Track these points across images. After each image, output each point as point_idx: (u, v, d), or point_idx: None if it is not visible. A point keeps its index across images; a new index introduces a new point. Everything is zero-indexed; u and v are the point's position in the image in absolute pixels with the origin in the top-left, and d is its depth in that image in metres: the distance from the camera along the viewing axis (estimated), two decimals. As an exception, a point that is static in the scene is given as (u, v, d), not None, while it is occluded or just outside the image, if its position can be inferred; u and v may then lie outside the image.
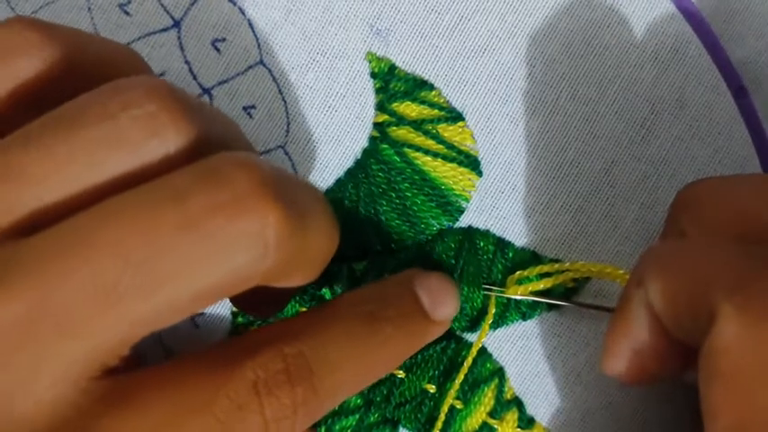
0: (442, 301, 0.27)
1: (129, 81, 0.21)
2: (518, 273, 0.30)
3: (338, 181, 0.31)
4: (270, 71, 0.30)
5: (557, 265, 0.30)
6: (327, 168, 0.31)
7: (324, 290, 0.30)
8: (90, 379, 0.21)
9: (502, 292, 0.30)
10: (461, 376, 0.30)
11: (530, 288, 0.30)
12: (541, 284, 0.30)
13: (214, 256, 0.20)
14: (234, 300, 0.28)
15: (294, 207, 0.21)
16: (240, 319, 0.30)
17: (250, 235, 0.20)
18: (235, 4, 0.30)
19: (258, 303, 0.27)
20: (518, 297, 0.30)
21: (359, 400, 0.31)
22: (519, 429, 0.31)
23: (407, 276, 0.28)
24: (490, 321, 0.30)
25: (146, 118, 0.20)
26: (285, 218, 0.21)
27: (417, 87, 0.30)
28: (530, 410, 0.31)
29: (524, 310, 0.31)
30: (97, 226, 0.20)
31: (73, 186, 0.20)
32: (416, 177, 0.30)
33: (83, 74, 0.22)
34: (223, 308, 0.30)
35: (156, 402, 0.21)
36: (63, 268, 0.19)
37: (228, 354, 0.23)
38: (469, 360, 0.30)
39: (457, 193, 0.31)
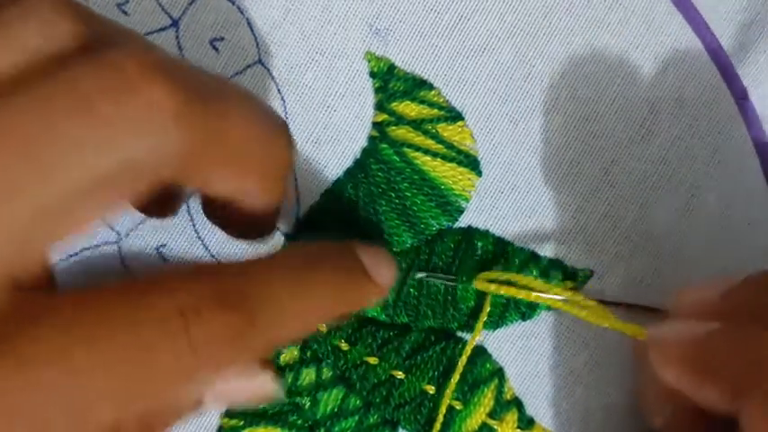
0: (381, 265, 0.27)
1: None
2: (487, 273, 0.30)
3: (337, 181, 0.30)
4: (268, 70, 0.30)
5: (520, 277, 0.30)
6: (327, 168, 0.30)
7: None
8: None
9: (468, 281, 0.30)
10: (457, 376, 0.30)
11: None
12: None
13: (106, 139, 0.20)
14: (215, 220, 0.27)
15: (197, 90, 0.21)
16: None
17: (143, 116, 0.20)
18: (233, 3, 0.30)
19: (240, 227, 0.27)
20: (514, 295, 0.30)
21: (358, 402, 0.30)
22: (519, 430, 0.31)
23: (349, 242, 0.28)
24: (485, 319, 0.30)
25: (40, 23, 0.21)
26: (181, 97, 0.21)
27: (417, 87, 0.30)
28: (529, 411, 0.31)
29: (524, 310, 0.31)
30: None
31: None
32: (416, 177, 0.30)
33: None
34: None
35: (76, 321, 0.21)
36: None
37: (159, 279, 0.22)
38: (464, 359, 0.30)
39: (456, 192, 0.31)
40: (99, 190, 0.20)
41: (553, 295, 0.29)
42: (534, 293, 0.30)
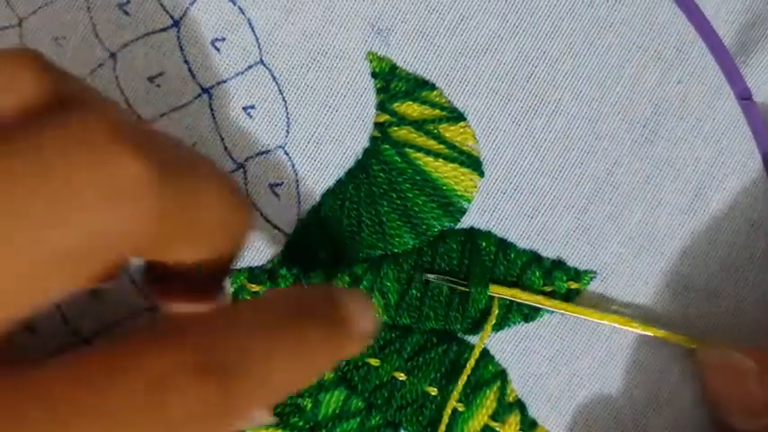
0: (363, 314, 0.26)
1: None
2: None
3: (339, 181, 0.30)
4: (270, 71, 0.30)
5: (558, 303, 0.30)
6: (328, 169, 0.30)
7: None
8: None
9: (482, 284, 0.30)
10: (464, 378, 0.30)
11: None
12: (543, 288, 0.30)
13: (72, 213, 0.18)
14: (153, 287, 0.26)
15: (164, 161, 0.20)
16: None
17: (113, 188, 0.19)
18: (234, 3, 0.30)
19: (185, 293, 0.25)
20: (522, 300, 0.30)
21: (360, 403, 0.30)
22: (521, 432, 0.31)
23: (328, 288, 0.27)
24: (492, 323, 0.30)
25: (4, 77, 0.20)
26: (153, 168, 0.19)
27: (418, 87, 0.30)
28: (532, 413, 0.31)
29: (526, 312, 0.30)
30: None
31: None
32: (418, 178, 0.30)
33: None
34: None
35: (40, 402, 0.19)
36: None
37: (135, 342, 0.21)
38: (472, 362, 0.30)
39: (458, 193, 0.30)
40: (61, 267, 0.19)
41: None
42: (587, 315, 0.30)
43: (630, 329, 0.30)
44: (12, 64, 0.20)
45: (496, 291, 0.30)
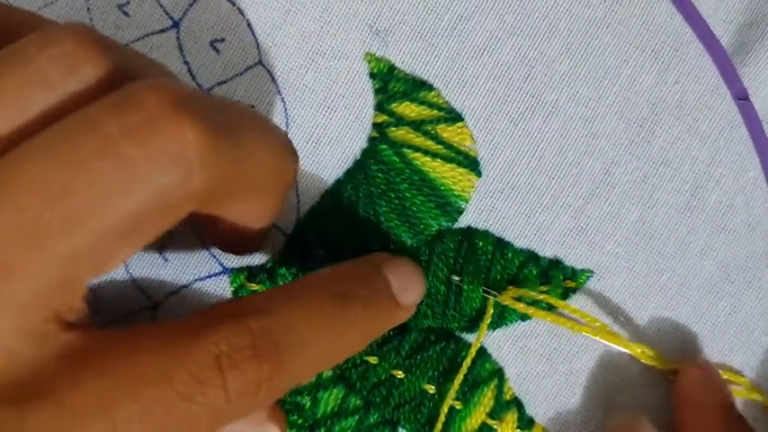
0: (409, 287, 0.27)
1: (49, 27, 0.22)
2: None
3: (337, 182, 0.30)
4: (269, 72, 0.30)
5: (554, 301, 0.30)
6: (326, 169, 0.31)
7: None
8: (43, 332, 0.21)
9: (496, 295, 0.30)
10: (461, 377, 0.30)
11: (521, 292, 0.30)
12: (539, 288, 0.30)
13: (133, 180, 0.20)
14: (209, 237, 0.28)
15: (218, 124, 0.21)
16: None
17: (168, 154, 0.20)
18: (234, 4, 0.30)
19: (233, 242, 0.27)
20: (516, 306, 0.30)
21: (358, 401, 0.31)
22: (518, 430, 0.31)
23: (378, 259, 0.28)
24: (488, 322, 0.30)
25: (62, 56, 0.21)
26: (204, 133, 0.20)
27: (416, 88, 0.30)
28: (529, 411, 0.31)
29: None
30: (18, 164, 0.20)
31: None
32: (416, 178, 0.30)
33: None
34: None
35: (114, 368, 0.21)
36: None
37: (191, 325, 0.22)
38: (468, 360, 0.30)
39: (456, 193, 0.31)
40: (129, 229, 0.20)
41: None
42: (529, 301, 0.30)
43: (608, 343, 0.30)
44: (70, 43, 0.21)
45: (512, 303, 0.30)
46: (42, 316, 0.21)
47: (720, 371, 0.30)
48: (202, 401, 0.21)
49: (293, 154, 0.25)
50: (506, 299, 0.30)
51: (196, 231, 0.28)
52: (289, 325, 0.23)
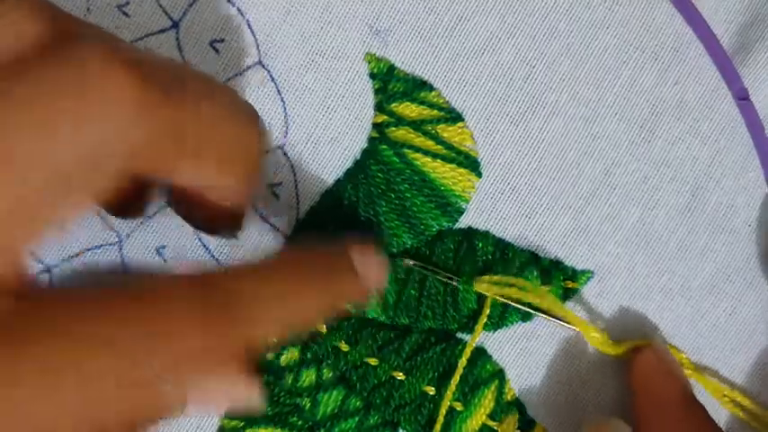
0: (370, 265, 0.27)
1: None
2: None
3: (337, 182, 0.30)
4: (269, 72, 0.30)
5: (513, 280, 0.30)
6: (326, 169, 0.30)
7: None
8: None
9: (469, 282, 0.30)
10: (457, 377, 0.30)
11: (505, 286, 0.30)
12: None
13: (69, 133, 0.20)
14: (186, 218, 0.28)
15: (158, 82, 0.22)
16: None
17: (103, 108, 0.21)
18: (233, 4, 0.30)
19: (207, 219, 0.27)
20: (511, 303, 0.30)
21: (358, 403, 0.30)
22: (519, 431, 0.31)
23: (341, 242, 0.28)
24: (484, 321, 0.30)
25: (6, 22, 0.21)
26: (140, 88, 0.21)
27: (416, 88, 0.30)
28: (530, 412, 0.31)
29: (524, 311, 0.31)
30: None
31: None
32: (416, 178, 0.30)
33: None
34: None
35: (51, 335, 0.21)
36: None
37: (146, 286, 0.22)
38: (463, 361, 0.30)
39: (456, 194, 0.31)
40: (67, 184, 0.21)
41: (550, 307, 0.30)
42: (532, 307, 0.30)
43: (603, 349, 0.30)
44: (13, 10, 0.22)
45: (487, 289, 0.30)
46: None
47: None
48: (152, 358, 0.21)
49: (256, 123, 0.25)
50: (482, 286, 0.30)
51: (175, 209, 0.28)
52: (245, 279, 0.23)
